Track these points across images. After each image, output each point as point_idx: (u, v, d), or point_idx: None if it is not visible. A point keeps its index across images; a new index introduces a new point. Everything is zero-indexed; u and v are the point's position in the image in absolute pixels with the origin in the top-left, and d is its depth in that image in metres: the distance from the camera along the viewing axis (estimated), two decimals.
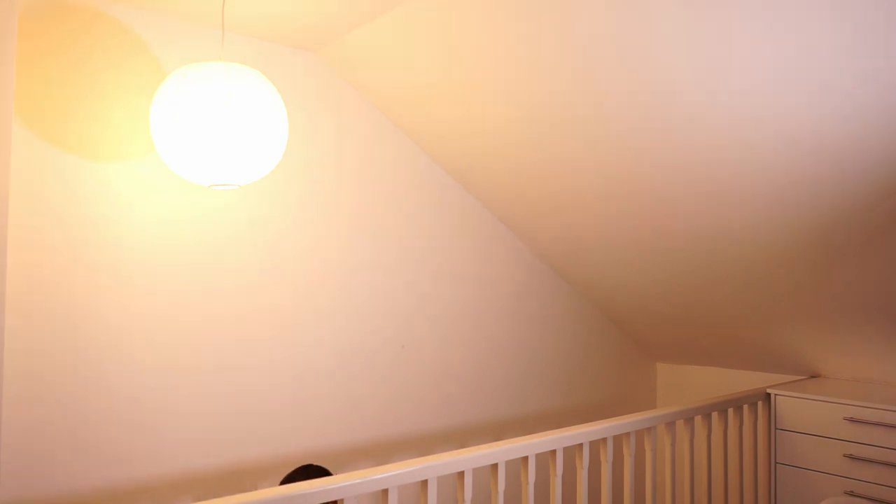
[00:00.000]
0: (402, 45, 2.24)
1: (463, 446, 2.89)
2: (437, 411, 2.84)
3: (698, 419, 2.56)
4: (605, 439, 2.20)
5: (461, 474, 1.85)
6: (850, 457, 2.51)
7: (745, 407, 2.73)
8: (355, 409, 2.59)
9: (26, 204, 1.94)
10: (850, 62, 1.70)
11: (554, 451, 2.07)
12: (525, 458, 2.00)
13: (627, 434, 2.28)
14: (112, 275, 2.08)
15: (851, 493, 2.50)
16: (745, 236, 2.46)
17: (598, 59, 1.98)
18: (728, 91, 1.91)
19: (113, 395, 2.07)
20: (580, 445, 2.14)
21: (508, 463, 1.99)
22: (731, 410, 2.68)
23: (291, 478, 2.07)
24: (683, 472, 2.58)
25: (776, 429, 2.73)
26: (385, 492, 1.68)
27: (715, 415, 2.63)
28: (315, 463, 2.08)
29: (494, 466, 1.93)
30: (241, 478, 2.30)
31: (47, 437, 1.96)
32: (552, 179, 2.62)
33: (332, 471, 2.48)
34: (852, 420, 2.51)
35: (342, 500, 1.60)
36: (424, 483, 1.77)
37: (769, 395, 2.75)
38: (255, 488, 2.31)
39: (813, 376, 3.03)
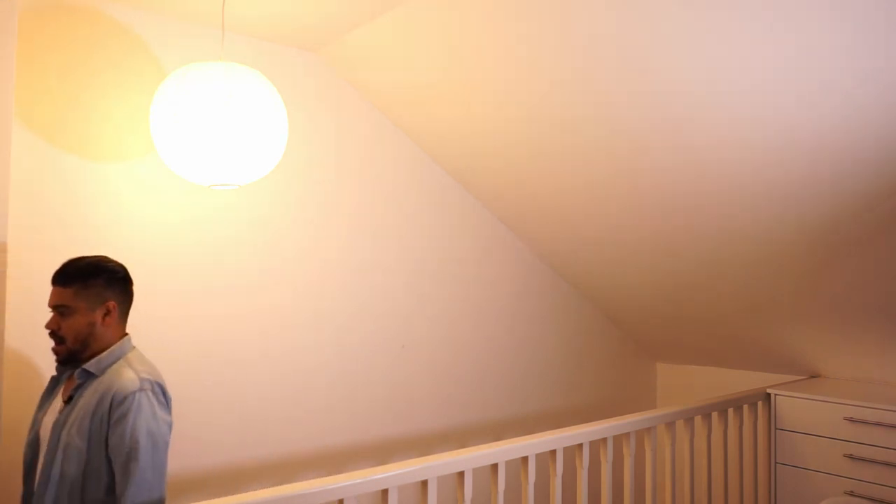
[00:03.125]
0: (402, 45, 2.24)
1: (463, 446, 2.88)
2: (437, 411, 2.83)
3: (698, 419, 2.56)
4: (605, 439, 2.20)
5: (461, 474, 1.85)
6: (850, 457, 2.51)
7: (745, 407, 2.73)
8: (355, 409, 2.59)
9: (26, 204, 1.94)
10: (850, 62, 1.70)
11: (554, 451, 2.07)
12: (525, 458, 2.00)
13: (627, 434, 2.28)
14: None
15: (851, 493, 2.50)
16: (745, 236, 2.46)
17: (598, 59, 1.98)
18: (728, 91, 1.91)
19: None
20: (580, 445, 2.14)
21: (508, 463, 1.99)
22: (731, 410, 2.68)
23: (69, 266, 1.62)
24: (683, 472, 2.58)
25: (776, 429, 2.73)
26: (385, 492, 1.68)
27: (715, 415, 2.63)
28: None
29: (494, 466, 1.93)
30: (240, 478, 2.30)
31: None
32: (552, 179, 2.62)
33: (333, 471, 2.48)
34: (852, 420, 2.51)
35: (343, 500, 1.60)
36: (424, 483, 1.77)
37: (769, 395, 2.75)
38: (256, 488, 2.31)
39: (813, 376, 3.03)
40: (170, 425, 1.56)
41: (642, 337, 3.52)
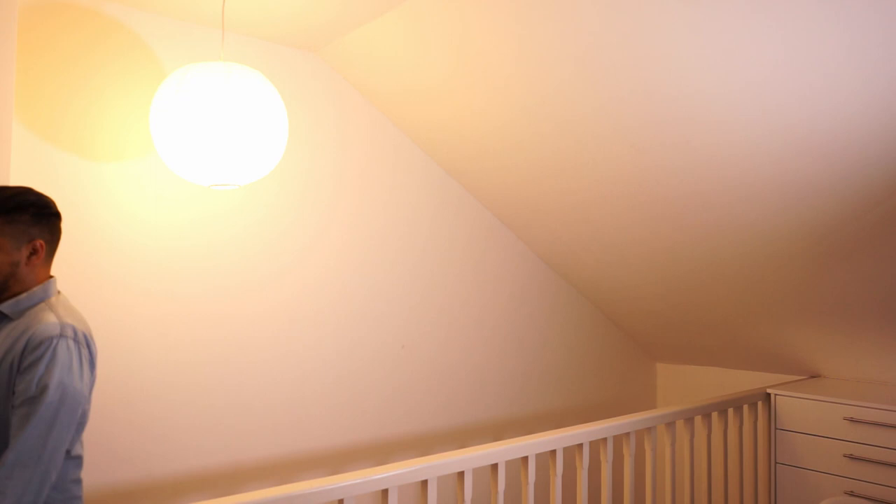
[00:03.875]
0: (402, 45, 2.24)
1: (463, 446, 2.88)
2: (437, 411, 2.84)
3: (698, 419, 2.56)
4: (605, 439, 2.20)
5: (461, 474, 1.85)
6: (850, 457, 2.51)
7: (745, 407, 2.73)
8: (355, 409, 2.59)
9: None
10: (850, 62, 1.69)
11: (554, 451, 2.07)
12: (525, 458, 2.00)
13: (627, 434, 2.28)
14: (111, 275, 2.08)
15: (851, 493, 2.50)
16: (746, 236, 2.46)
17: (599, 59, 1.98)
18: (728, 91, 1.91)
19: (111, 396, 2.06)
20: (580, 445, 2.14)
21: (508, 463, 1.99)
22: (731, 410, 2.68)
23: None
24: (683, 472, 2.58)
25: (776, 429, 2.73)
26: (385, 492, 1.68)
27: (715, 415, 2.63)
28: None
29: (494, 466, 1.93)
30: (240, 477, 2.30)
31: None
32: (552, 179, 2.62)
33: (333, 471, 2.48)
34: (852, 420, 2.51)
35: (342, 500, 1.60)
36: (424, 483, 1.77)
37: (769, 395, 2.75)
38: (256, 488, 2.31)
39: (813, 376, 3.03)
40: (90, 385, 1.38)
41: (642, 337, 3.52)
